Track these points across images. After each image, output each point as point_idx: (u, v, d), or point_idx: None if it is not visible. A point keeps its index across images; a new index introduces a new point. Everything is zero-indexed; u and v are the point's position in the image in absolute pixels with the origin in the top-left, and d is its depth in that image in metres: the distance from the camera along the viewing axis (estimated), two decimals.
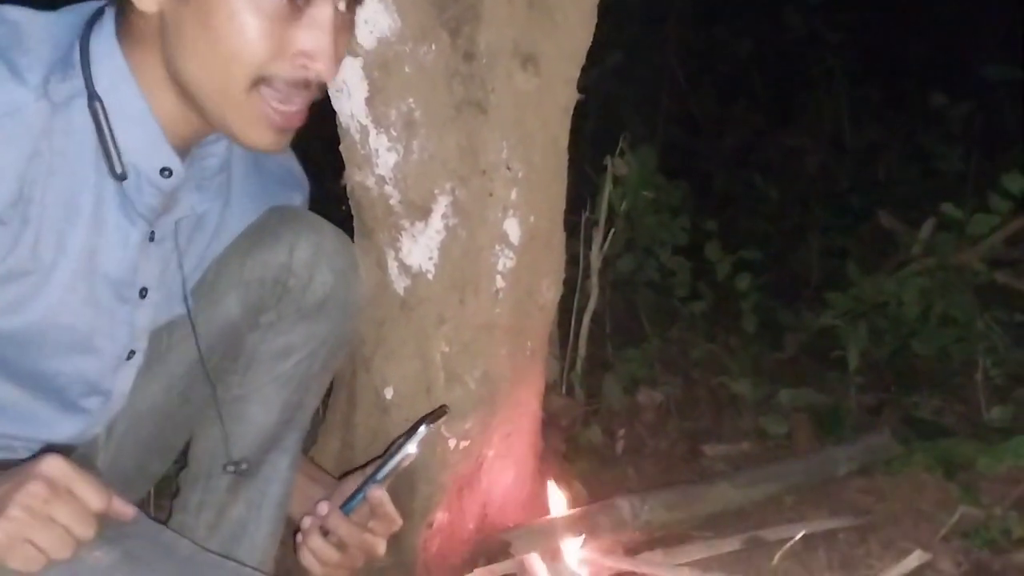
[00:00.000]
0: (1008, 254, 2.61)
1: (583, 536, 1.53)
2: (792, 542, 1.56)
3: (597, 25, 1.46)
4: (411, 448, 1.21)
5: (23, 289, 1.00)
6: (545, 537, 1.50)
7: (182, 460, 1.35)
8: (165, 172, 1.04)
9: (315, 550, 1.24)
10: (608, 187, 2.25)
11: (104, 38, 0.99)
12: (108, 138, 0.99)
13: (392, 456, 1.22)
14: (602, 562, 1.51)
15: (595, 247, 2.25)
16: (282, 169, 1.28)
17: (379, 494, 1.22)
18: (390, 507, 1.23)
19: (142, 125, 1.00)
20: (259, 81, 0.96)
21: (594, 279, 2.25)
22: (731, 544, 1.59)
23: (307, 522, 1.26)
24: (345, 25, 1.01)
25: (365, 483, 1.23)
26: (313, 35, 0.95)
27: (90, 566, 0.95)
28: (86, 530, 0.92)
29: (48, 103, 0.95)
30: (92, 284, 1.05)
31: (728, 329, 2.71)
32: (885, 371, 2.44)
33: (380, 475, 1.22)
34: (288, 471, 1.29)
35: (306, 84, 0.97)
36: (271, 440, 1.26)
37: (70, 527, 0.90)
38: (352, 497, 1.23)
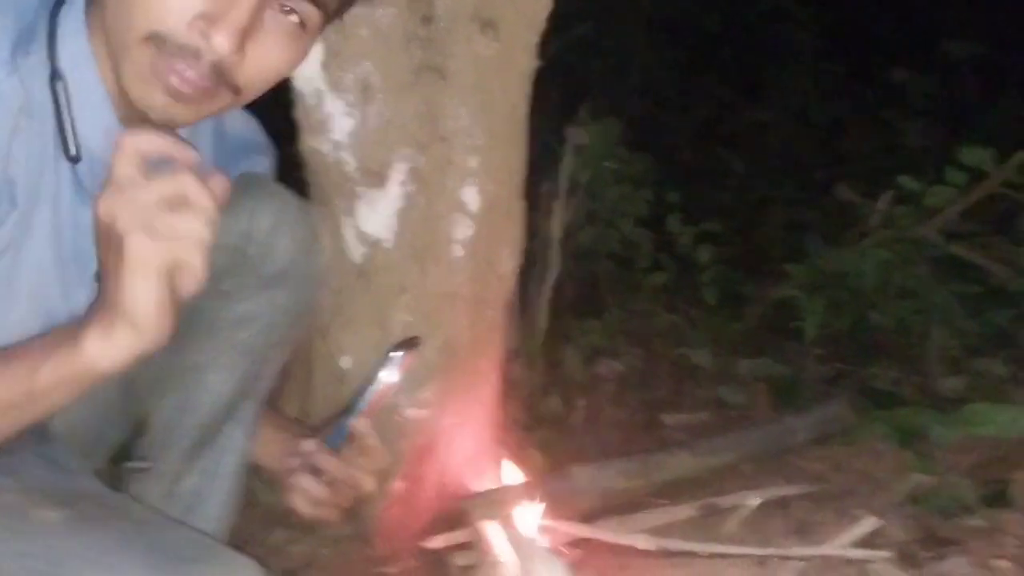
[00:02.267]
0: (965, 226, 2.64)
1: (540, 504, 1.53)
2: (748, 509, 1.57)
3: None
4: (388, 376, 1.19)
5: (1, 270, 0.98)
6: (503, 505, 1.49)
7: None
8: None
9: (306, 490, 1.24)
10: (569, 157, 2.24)
11: (73, 16, 0.97)
12: (67, 119, 0.96)
13: (369, 385, 1.21)
14: (559, 529, 1.51)
15: (556, 218, 2.24)
16: (245, 140, 1.26)
17: (361, 424, 1.22)
18: (374, 439, 1.23)
19: (100, 110, 0.98)
20: (152, 37, 0.91)
21: (555, 250, 2.25)
22: (687, 511, 1.60)
23: (294, 462, 1.25)
24: (281, 29, 0.96)
25: (345, 415, 1.22)
26: (217, 2, 0.90)
27: (38, 524, 0.93)
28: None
29: (18, 79, 0.93)
30: (58, 266, 1.03)
31: (689, 300, 2.72)
32: (843, 342, 2.47)
33: (360, 405, 1.21)
34: (244, 442, 1.27)
35: (196, 54, 0.91)
36: (227, 410, 1.25)
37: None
38: (335, 432, 1.22)
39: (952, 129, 3.32)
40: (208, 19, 0.90)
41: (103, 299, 0.84)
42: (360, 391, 1.22)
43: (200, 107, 0.96)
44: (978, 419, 1.93)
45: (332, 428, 1.23)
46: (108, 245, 0.82)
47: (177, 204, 0.81)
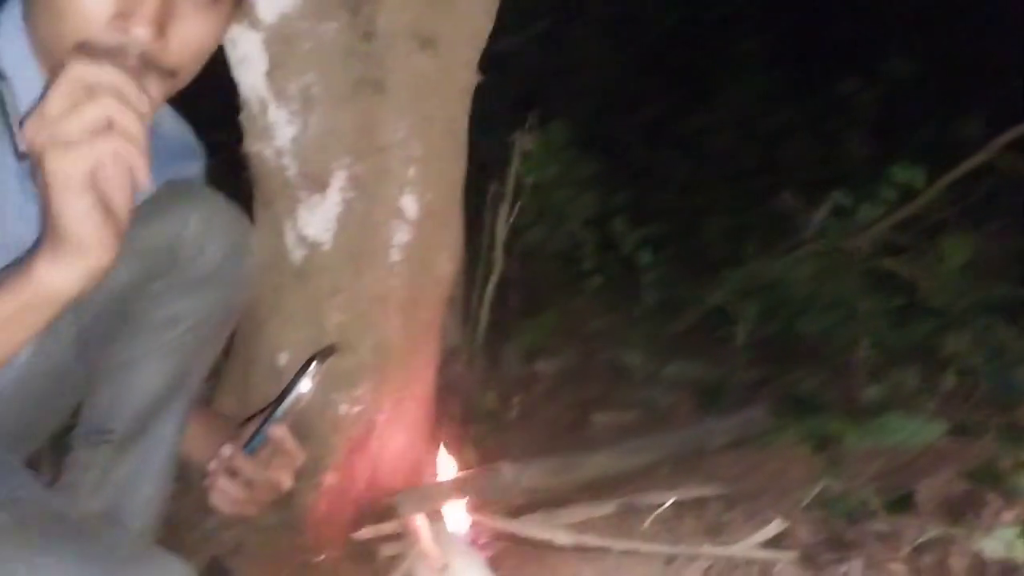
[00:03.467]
0: (894, 240, 2.75)
1: (466, 499, 1.60)
2: (662, 508, 1.66)
3: None
4: (304, 386, 1.27)
5: None
6: (430, 500, 1.56)
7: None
8: None
9: (223, 490, 1.31)
10: (516, 162, 2.31)
11: (12, 21, 1.01)
12: (14, 118, 0.98)
13: (287, 394, 1.28)
14: (483, 523, 1.58)
15: (500, 220, 2.31)
16: (179, 143, 1.31)
17: (279, 431, 1.28)
18: (291, 443, 1.30)
19: None
20: (80, 46, 0.94)
21: (498, 250, 2.31)
22: (606, 508, 1.68)
23: (213, 465, 1.32)
24: (196, 5, 1.00)
25: (264, 423, 1.29)
26: None
27: None
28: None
29: None
30: (3, 254, 1.07)
31: (630, 301, 2.80)
32: (772, 348, 2.56)
33: (278, 413, 1.28)
34: (174, 435, 1.33)
35: (123, 51, 0.95)
36: (157, 405, 1.30)
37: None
38: (253, 437, 1.29)
39: (891, 143, 3.42)
40: (123, 16, 0.95)
41: (47, 227, 0.86)
42: (277, 400, 1.28)
43: None
44: (890, 428, 2.02)
45: (252, 434, 1.28)
46: (37, 173, 0.85)
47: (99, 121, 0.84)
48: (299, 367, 1.31)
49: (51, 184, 0.83)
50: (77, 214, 0.84)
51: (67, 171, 0.83)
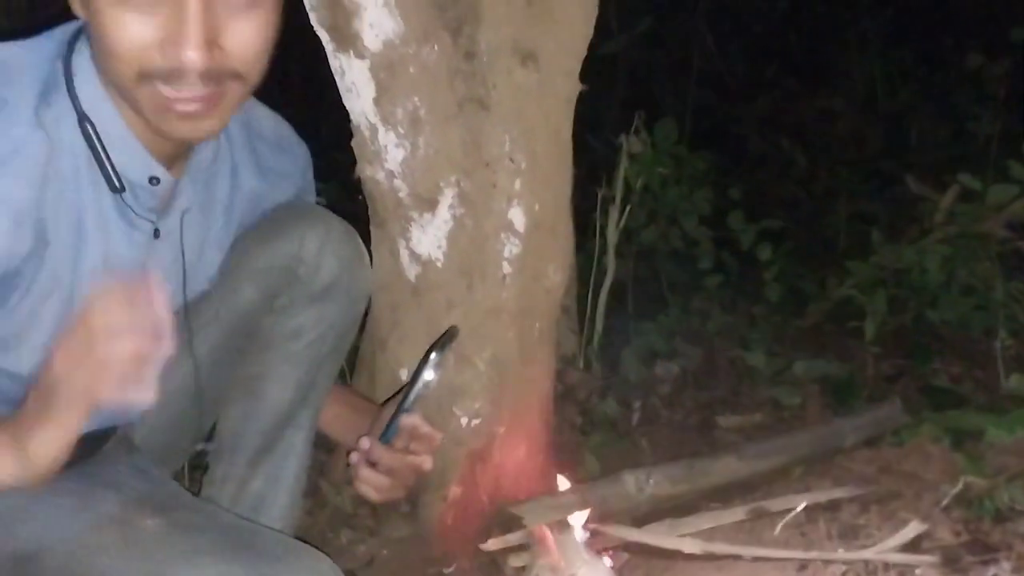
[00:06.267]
0: None
1: (590, 508, 1.60)
2: (794, 513, 1.61)
3: None
4: (428, 375, 1.32)
5: (54, 308, 1.08)
6: (554, 510, 1.57)
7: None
8: (153, 180, 1.10)
9: (367, 480, 1.36)
10: (623, 165, 2.29)
11: (84, 60, 1.05)
12: (103, 156, 1.05)
13: (414, 383, 1.33)
14: (608, 533, 1.58)
15: (611, 223, 2.29)
16: (277, 137, 1.34)
17: (411, 420, 1.33)
18: (426, 427, 1.35)
19: (124, 141, 1.06)
20: (140, 76, 0.97)
21: (611, 254, 2.30)
22: (735, 515, 1.65)
23: (354, 458, 1.37)
24: (239, 7, 0.98)
25: (396, 414, 1.34)
26: (169, 22, 0.94)
27: (139, 532, 1.05)
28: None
29: (44, 132, 1.01)
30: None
31: (753, 298, 2.73)
32: (904, 340, 2.46)
33: (407, 403, 1.33)
34: (303, 446, 1.39)
35: (180, 73, 0.96)
36: (286, 417, 1.36)
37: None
38: (387, 428, 1.35)
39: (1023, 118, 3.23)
40: (170, 43, 0.96)
41: (36, 406, 0.97)
42: (405, 390, 1.34)
43: (219, 111, 1.02)
44: None
45: (385, 425, 1.34)
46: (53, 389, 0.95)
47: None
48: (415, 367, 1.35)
49: (64, 392, 0.94)
50: (75, 415, 0.95)
51: (86, 391, 0.94)
